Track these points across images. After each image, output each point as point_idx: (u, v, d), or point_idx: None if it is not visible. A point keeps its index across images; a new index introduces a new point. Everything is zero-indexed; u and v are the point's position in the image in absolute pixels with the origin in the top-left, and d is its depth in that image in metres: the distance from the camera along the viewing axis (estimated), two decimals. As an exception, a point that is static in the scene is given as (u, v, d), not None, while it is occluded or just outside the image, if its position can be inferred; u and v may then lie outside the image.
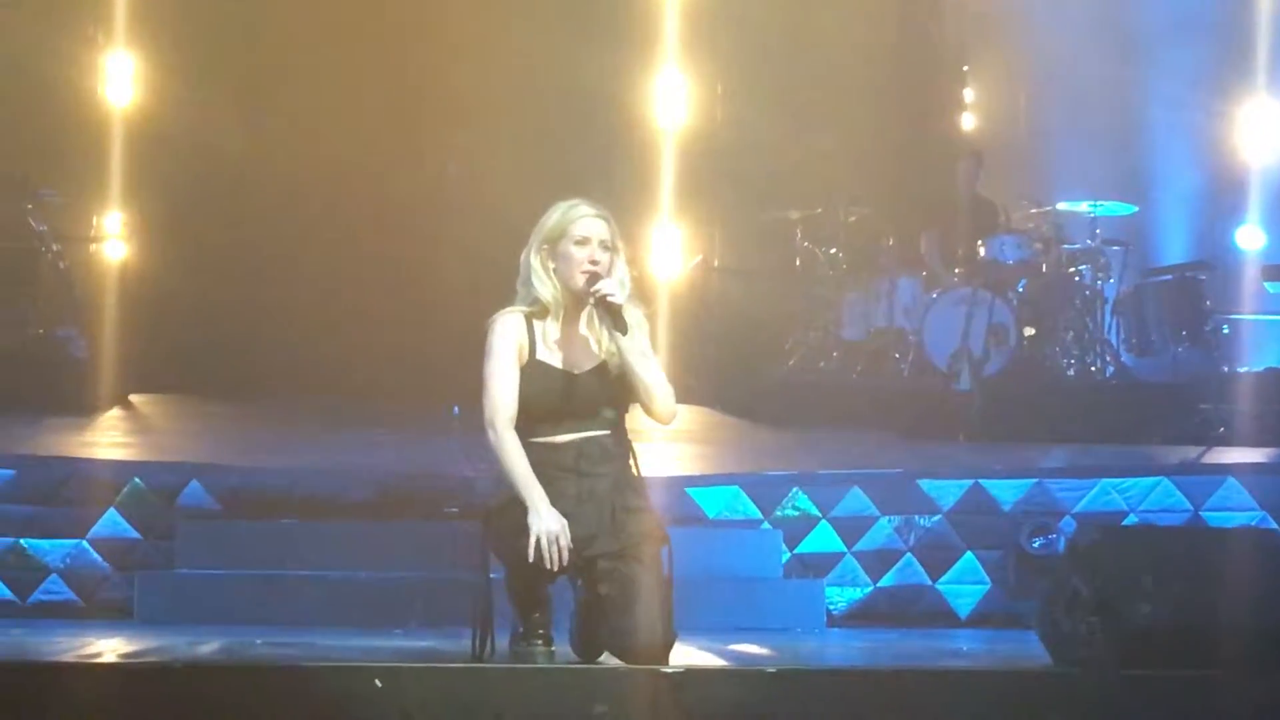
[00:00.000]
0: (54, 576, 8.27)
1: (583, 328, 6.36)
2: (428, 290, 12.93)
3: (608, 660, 6.20)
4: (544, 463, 6.21)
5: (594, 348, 6.34)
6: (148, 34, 13.22)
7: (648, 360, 6.30)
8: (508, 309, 6.36)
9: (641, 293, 6.54)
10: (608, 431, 6.33)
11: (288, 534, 8.39)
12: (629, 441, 6.44)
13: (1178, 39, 14.10)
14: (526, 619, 6.41)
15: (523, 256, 6.38)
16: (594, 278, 6.25)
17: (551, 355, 6.31)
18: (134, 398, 12.29)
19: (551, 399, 6.26)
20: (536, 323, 6.33)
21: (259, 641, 7.12)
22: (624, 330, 6.20)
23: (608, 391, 6.31)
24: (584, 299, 6.29)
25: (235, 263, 13.43)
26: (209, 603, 8.07)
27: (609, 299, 6.19)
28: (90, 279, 12.74)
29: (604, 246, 6.33)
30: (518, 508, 6.14)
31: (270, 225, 13.48)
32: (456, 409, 10.39)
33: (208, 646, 6.99)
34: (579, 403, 6.28)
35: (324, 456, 9.56)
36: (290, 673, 5.54)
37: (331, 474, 8.75)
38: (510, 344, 6.28)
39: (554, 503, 6.13)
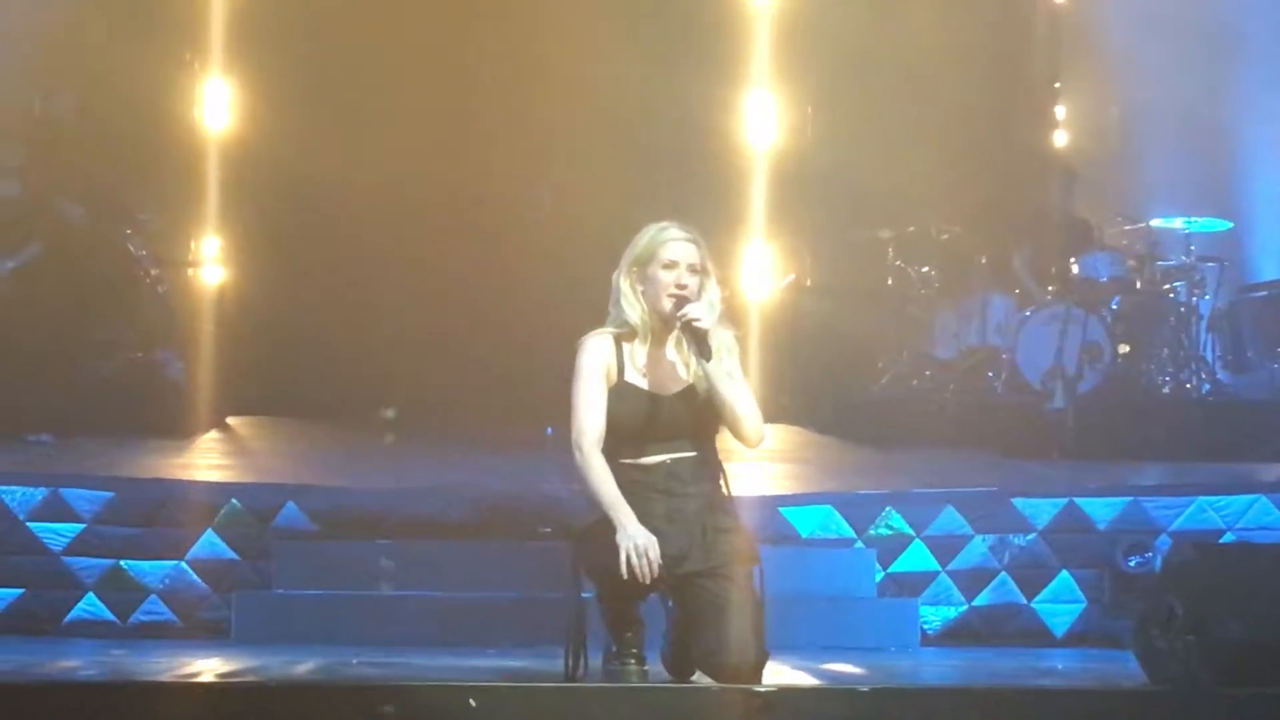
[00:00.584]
0: (153, 597, 8.36)
1: (670, 350, 6.39)
2: (522, 312, 12.97)
3: (700, 680, 6.22)
4: (633, 483, 6.24)
5: (682, 371, 6.36)
6: (244, 61, 13.33)
7: (735, 384, 6.31)
8: (597, 331, 6.39)
9: (733, 315, 6.55)
10: (697, 452, 6.35)
11: (383, 555, 8.45)
12: (719, 461, 6.46)
13: (1272, 50, 13.98)
14: (619, 638, 6.44)
15: (614, 278, 6.41)
16: (680, 302, 6.27)
17: (639, 377, 6.34)
18: (231, 420, 12.39)
19: (639, 420, 6.28)
20: (625, 345, 6.37)
21: (355, 661, 7.18)
22: (708, 356, 6.21)
23: (695, 414, 6.33)
24: (672, 322, 6.31)
25: (331, 286, 13.52)
26: (305, 623, 8.14)
27: (694, 324, 6.21)
28: (188, 303, 12.85)
29: (692, 270, 6.35)
30: (606, 527, 6.17)
31: (365, 249, 13.56)
32: (550, 429, 10.40)
33: (303, 666, 7.06)
34: (666, 424, 6.31)
35: (418, 477, 9.62)
36: (385, 691, 5.58)
37: (426, 495, 8.80)
38: (598, 366, 6.31)
39: (644, 522, 6.16)
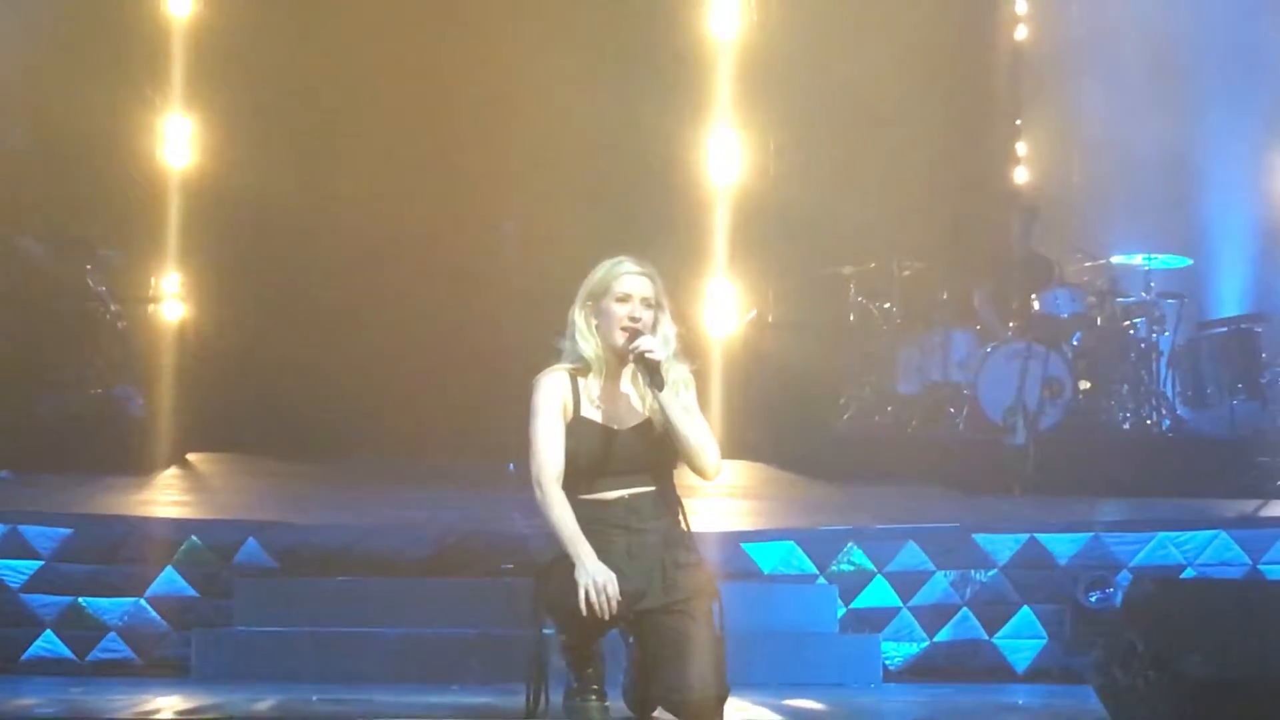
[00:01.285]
0: (112, 635, 8.32)
1: (625, 385, 6.39)
2: (483, 348, 12.97)
3: (661, 716, 6.21)
4: (593, 519, 6.23)
5: (637, 404, 6.36)
6: (204, 97, 13.32)
7: (690, 416, 6.31)
8: (552, 368, 6.40)
9: (689, 349, 6.55)
10: (655, 487, 6.35)
11: (345, 591, 8.42)
12: (677, 496, 6.45)
13: (1231, 92, 14.07)
14: (580, 675, 6.43)
15: (569, 313, 6.42)
16: (633, 335, 6.28)
17: (595, 412, 6.34)
18: (192, 456, 12.36)
19: (596, 456, 6.28)
20: (581, 380, 6.37)
21: (315, 698, 7.15)
22: (660, 386, 6.22)
23: (653, 448, 6.32)
24: (625, 355, 6.32)
25: (291, 322, 13.50)
26: (266, 660, 8.10)
27: (647, 355, 6.22)
28: (148, 339, 12.80)
29: (646, 304, 6.36)
30: (567, 564, 6.16)
31: (326, 285, 13.55)
32: (512, 466, 10.39)
33: (264, 703, 7.02)
34: (624, 459, 6.30)
35: (380, 514, 9.58)
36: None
37: (388, 531, 8.78)
38: (554, 402, 6.31)
39: (604, 558, 6.15)
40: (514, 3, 13.74)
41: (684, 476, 6.50)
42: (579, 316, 6.38)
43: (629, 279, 6.36)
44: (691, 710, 5.99)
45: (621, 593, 6.13)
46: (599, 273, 6.42)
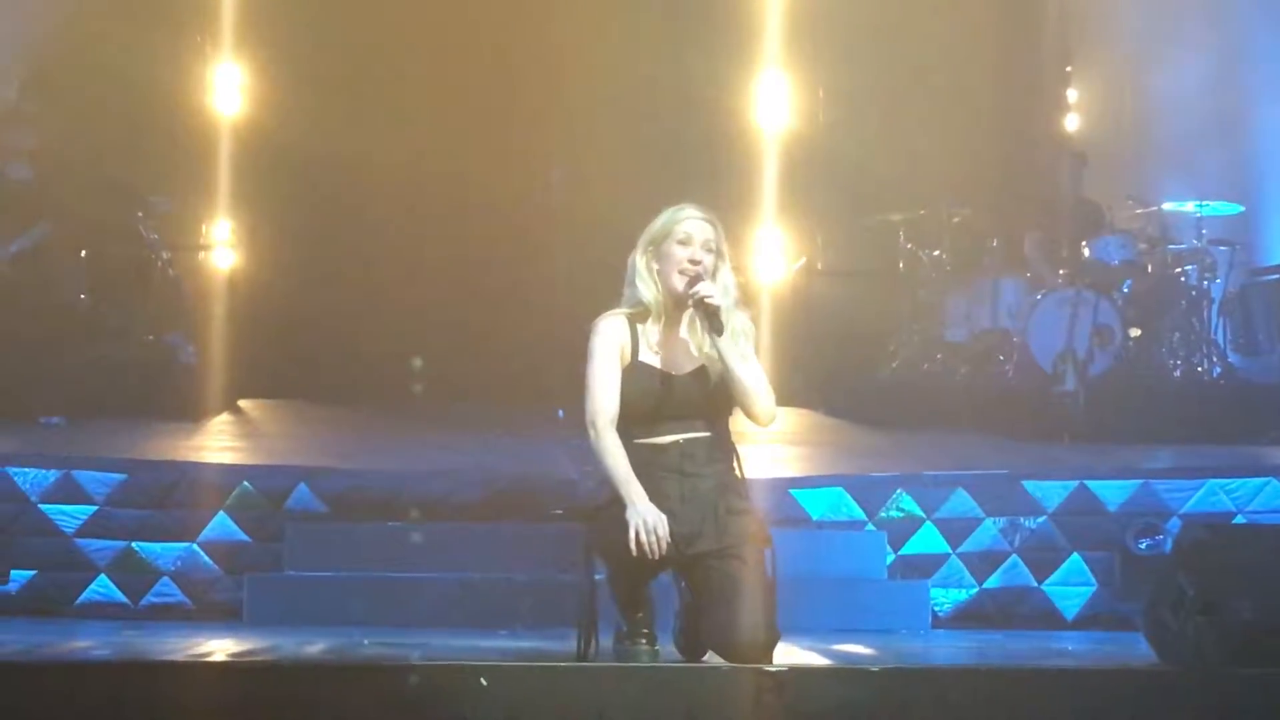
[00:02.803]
0: (165, 579, 8.40)
1: (684, 330, 6.39)
2: (534, 295, 12.98)
3: (711, 660, 6.23)
4: (647, 463, 6.24)
5: (694, 350, 6.36)
6: (255, 45, 13.32)
7: (748, 364, 6.32)
8: (610, 312, 6.40)
9: (745, 298, 6.55)
10: (710, 433, 6.35)
11: (395, 536, 8.47)
12: (732, 443, 6.46)
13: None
14: (630, 618, 6.45)
15: (630, 257, 6.42)
16: (694, 280, 6.28)
17: (653, 357, 6.34)
18: (243, 403, 12.42)
19: (653, 400, 6.29)
20: (639, 325, 6.37)
21: (366, 642, 7.19)
22: (719, 331, 6.22)
23: (709, 393, 6.33)
24: (685, 301, 6.32)
25: (342, 269, 13.53)
26: (317, 604, 8.17)
27: (707, 300, 6.22)
28: (199, 286, 12.85)
29: (707, 249, 6.35)
30: (618, 506, 6.18)
31: (377, 232, 13.57)
32: (561, 412, 10.43)
33: (315, 647, 7.06)
34: (680, 404, 6.31)
35: (430, 460, 9.63)
36: (396, 671, 5.59)
37: (438, 477, 8.84)
38: (612, 346, 6.32)
39: (657, 502, 6.16)
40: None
41: (736, 422, 6.51)
42: (640, 260, 6.38)
43: (691, 223, 6.36)
44: (741, 653, 6.01)
45: (674, 536, 6.14)
46: (661, 218, 6.41)
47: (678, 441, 6.30)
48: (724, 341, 6.24)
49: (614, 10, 13.45)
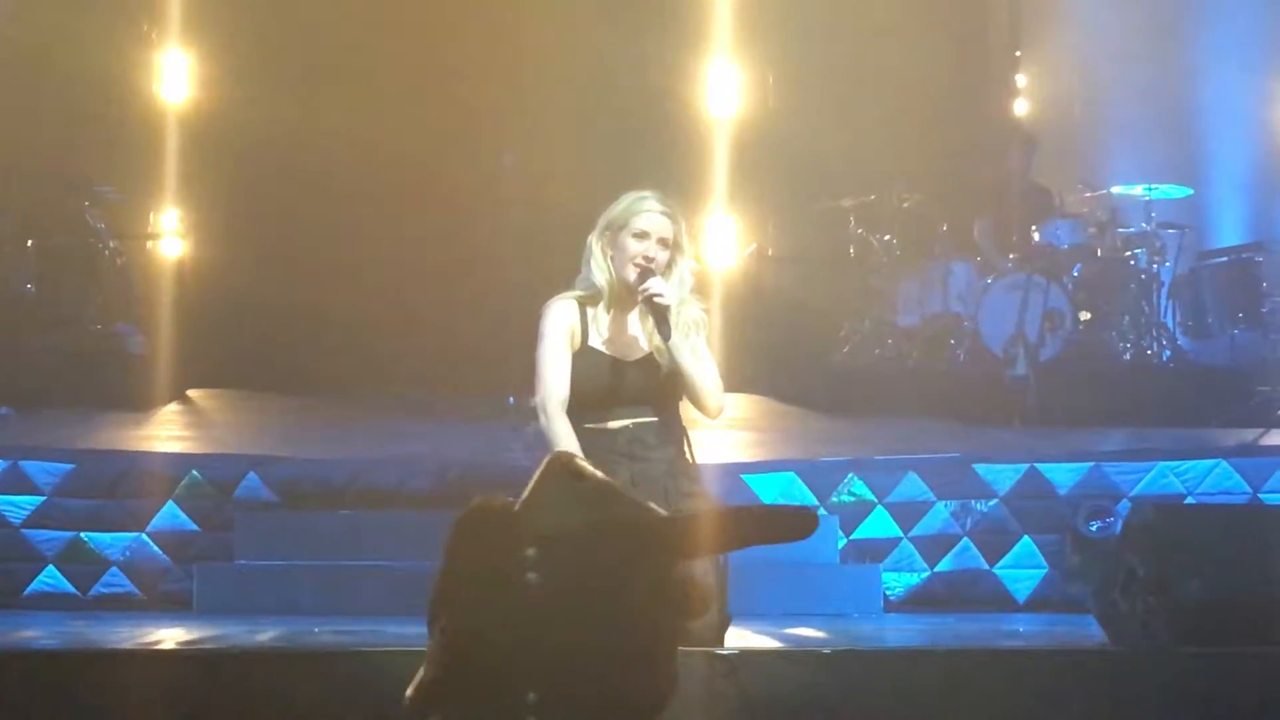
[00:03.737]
0: (114, 569, 8.36)
1: (634, 319, 6.37)
2: (483, 281, 12.92)
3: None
4: (597, 448, 6.22)
5: (643, 341, 6.35)
6: (201, 31, 13.25)
7: (698, 359, 6.30)
8: (561, 295, 6.39)
9: (701, 288, 6.53)
10: (659, 417, 6.34)
11: (346, 525, 8.45)
12: (683, 427, 6.45)
13: (1231, 18, 14.01)
14: (581, 604, 6.43)
15: (588, 238, 6.39)
16: (645, 274, 6.25)
17: (603, 342, 6.33)
18: (192, 393, 12.37)
19: (602, 385, 6.27)
20: (590, 309, 6.35)
21: (317, 630, 7.17)
22: (666, 335, 6.20)
23: (658, 380, 6.31)
24: (636, 292, 6.29)
25: (291, 257, 13.46)
26: (268, 594, 8.14)
27: (656, 299, 6.19)
28: (147, 275, 12.79)
29: (663, 244, 6.32)
30: (568, 490, 6.16)
31: (326, 219, 13.51)
32: (512, 399, 10.41)
33: (266, 635, 7.03)
34: (629, 390, 6.30)
35: (381, 448, 9.60)
36: (347, 657, 5.58)
37: (389, 465, 8.80)
38: (562, 329, 6.30)
39: (607, 486, 6.15)
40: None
41: (686, 407, 6.50)
42: (595, 244, 6.36)
43: (649, 216, 6.32)
44: (693, 636, 5.98)
45: (623, 520, 6.13)
46: (621, 204, 6.37)
47: (627, 426, 6.29)
48: (674, 340, 6.22)
49: (565, -4, 13.43)
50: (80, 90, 12.76)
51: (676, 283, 6.29)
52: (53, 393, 11.14)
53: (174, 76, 13.21)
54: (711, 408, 6.34)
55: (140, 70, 13.16)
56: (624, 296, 6.35)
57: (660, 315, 6.21)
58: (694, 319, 6.33)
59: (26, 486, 8.38)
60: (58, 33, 12.44)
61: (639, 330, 6.36)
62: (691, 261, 6.41)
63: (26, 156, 12.33)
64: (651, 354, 6.32)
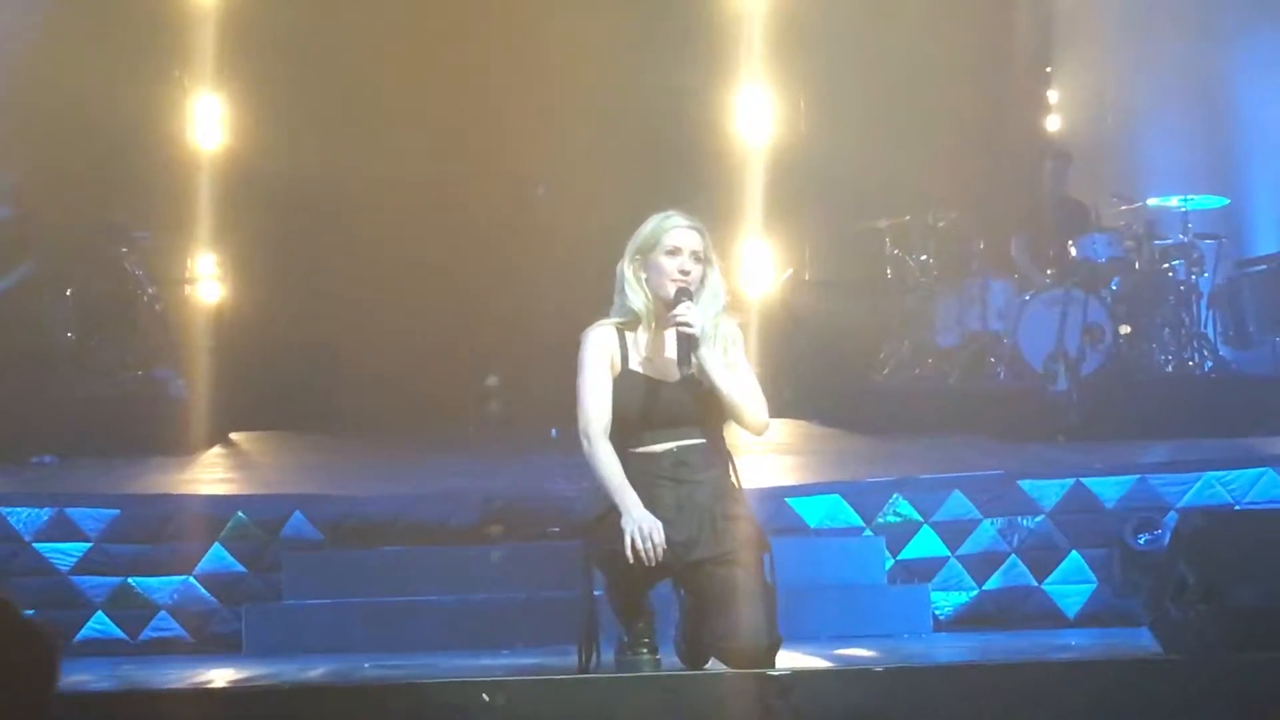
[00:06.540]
0: (163, 613, 8.36)
1: (671, 338, 6.35)
2: (524, 315, 12.97)
3: (714, 667, 6.20)
4: (643, 471, 6.21)
5: (686, 359, 6.34)
6: (233, 77, 13.33)
7: (736, 374, 6.28)
8: (599, 322, 6.38)
9: (735, 305, 6.53)
10: (704, 440, 6.32)
11: (392, 561, 8.44)
12: (727, 450, 6.43)
13: (1260, 24, 13.96)
14: (631, 629, 6.42)
15: (618, 267, 6.40)
16: (682, 292, 6.25)
17: (643, 365, 6.31)
18: (234, 436, 12.38)
19: (644, 408, 6.26)
20: (628, 334, 6.34)
21: (367, 666, 7.16)
22: (686, 365, 6.20)
23: (701, 400, 6.30)
24: (674, 308, 6.29)
25: (329, 297, 13.51)
26: (317, 633, 8.13)
27: (682, 330, 6.19)
28: (186, 320, 12.84)
29: (696, 258, 6.33)
30: (614, 516, 6.15)
31: (362, 257, 13.56)
32: (555, 431, 10.42)
33: (316, 673, 7.03)
34: (673, 411, 6.28)
35: (424, 483, 9.60)
36: (398, 690, 5.57)
37: (433, 500, 8.80)
38: (601, 355, 6.29)
39: (653, 510, 6.13)
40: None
41: (730, 432, 6.49)
42: (628, 270, 6.36)
43: (679, 232, 6.33)
44: (744, 658, 5.98)
45: (671, 543, 6.11)
46: (648, 226, 6.38)
47: (671, 449, 6.27)
48: (706, 357, 6.21)
49: (595, 25, 13.44)
50: (115, 137, 12.85)
51: (710, 296, 6.30)
52: (95, 440, 11.16)
53: (207, 122, 13.27)
54: (754, 422, 6.32)
55: (173, 116, 13.23)
56: (663, 317, 6.34)
57: (688, 344, 6.20)
58: (729, 334, 6.32)
59: (73, 533, 8.40)
60: (90, 79, 12.50)
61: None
62: (721, 276, 6.40)
63: (63, 204, 12.39)
64: (692, 374, 6.31)
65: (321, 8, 13.56)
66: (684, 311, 6.20)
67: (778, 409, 11.80)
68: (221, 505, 8.70)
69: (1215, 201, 13.19)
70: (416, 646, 7.84)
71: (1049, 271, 12.94)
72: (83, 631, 8.31)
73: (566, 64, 13.35)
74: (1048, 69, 15.46)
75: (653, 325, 6.34)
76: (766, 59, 13.51)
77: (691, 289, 6.28)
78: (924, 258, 13.47)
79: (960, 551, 8.64)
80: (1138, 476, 8.79)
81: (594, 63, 13.28)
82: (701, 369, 6.22)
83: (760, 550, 6.24)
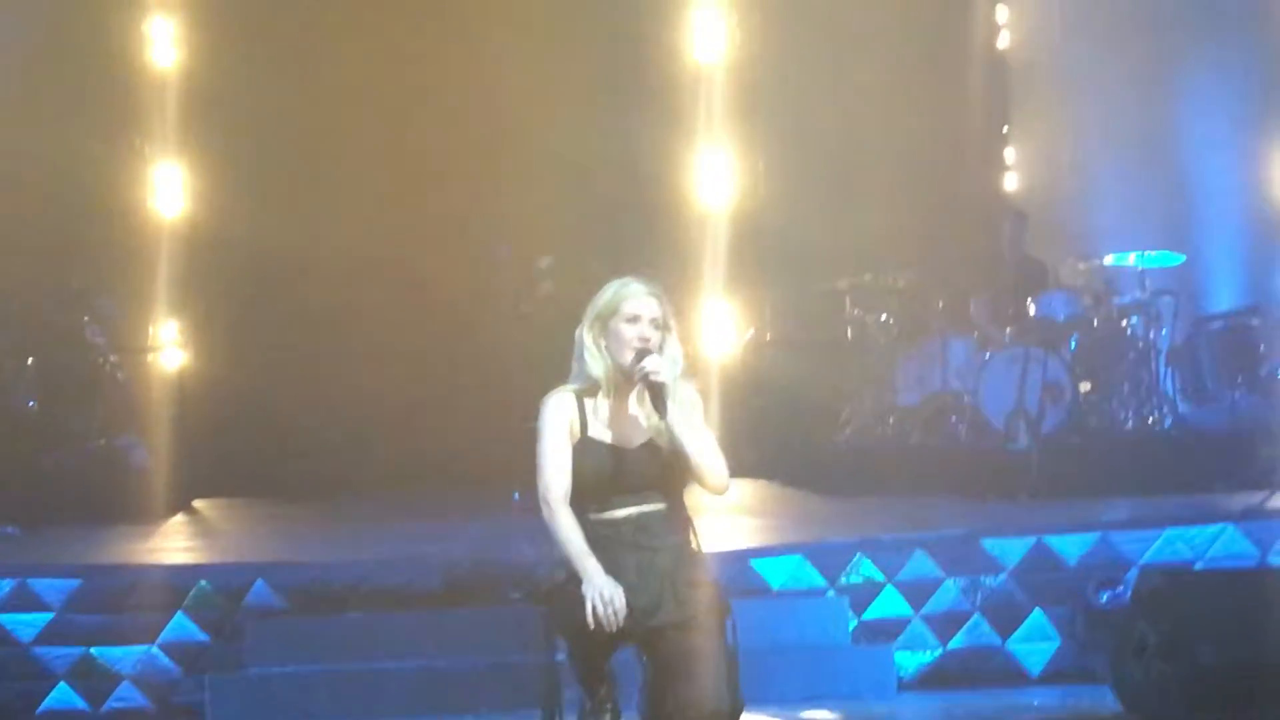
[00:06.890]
0: (126, 683, 8.35)
1: (633, 404, 6.38)
2: (483, 376, 12.98)
3: (677, 733, 6.19)
4: (603, 538, 6.21)
5: (644, 423, 6.36)
6: (193, 145, 13.37)
7: (696, 435, 6.30)
8: (558, 389, 6.40)
9: (693, 371, 6.55)
10: (665, 505, 6.34)
11: (356, 628, 8.43)
12: (688, 515, 6.44)
13: (1217, 86, 14.08)
14: (594, 695, 6.41)
15: (577, 333, 6.42)
16: (642, 355, 6.28)
17: (603, 431, 6.33)
18: (197, 503, 12.37)
19: (604, 474, 6.27)
20: (588, 400, 6.36)
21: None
22: (663, 412, 6.21)
23: (661, 466, 6.31)
24: (634, 375, 6.31)
25: (291, 365, 13.53)
26: (282, 700, 8.13)
27: (652, 378, 6.21)
28: (148, 388, 12.83)
29: (655, 325, 6.35)
30: (575, 583, 6.14)
31: (323, 325, 13.58)
32: (517, 495, 10.42)
33: (281, 742, 7.02)
34: (633, 477, 6.29)
35: (388, 550, 9.60)
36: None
37: (396, 566, 8.81)
38: (561, 422, 6.31)
39: (614, 576, 6.13)
40: (502, 32, 13.75)
41: (690, 496, 6.50)
42: (587, 336, 6.38)
43: (637, 300, 6.35)
44: (708, 725, 5.99)
45: (633, 609, 6.11)
46: (607, 293, 6.41)
47: (632, 515, 6.28)
48: (671, 415, 6.23)
49: (555, 89, 13.50)
50: (76, 204, 12.87)
51: (669, 362, 6.32)
52: (58, 509, 11.14)
53: (168, 189, 13.30)
54: (716, 483, 6.33)
55: (135, 184, 13.25)
56: (621, 384, 6.36)
57: (657, 393, 6.22)
58: (688, 398, 6.35)
59: (35, 604, 8.38)
60: (50, 147, 12.52)
61: (640, 415, 6.37)
62: (678, 341, 6.43)
63: (24, 273, 12.38)
64: (653, 439, 6.32)
65: (281, 76, 13.61)
66: (650, 363, 6.23)
67: (740, 469, 11.81)
68: (184, 574, 8.69)
69: (1172, 259, 13.26)
70: (381, 712, 7.86)
71: (1008, 330, 12.99)
72: (45, 702, 8.31)
73: (527, 127, 13.41)
74: (1004, 129, 15.57)
75: (613, 392, 6.36)
76: (726, 121, 13.61)
77: (651, 354, 6.31)
78: (884, 317, 13.52)
79: (924, 611, 8.68)
80: (1099, 534, 8.84)
81: (555, 126, 13.32)
82: (667, 425, 6.24)
83: (722, 614, 6.24)
